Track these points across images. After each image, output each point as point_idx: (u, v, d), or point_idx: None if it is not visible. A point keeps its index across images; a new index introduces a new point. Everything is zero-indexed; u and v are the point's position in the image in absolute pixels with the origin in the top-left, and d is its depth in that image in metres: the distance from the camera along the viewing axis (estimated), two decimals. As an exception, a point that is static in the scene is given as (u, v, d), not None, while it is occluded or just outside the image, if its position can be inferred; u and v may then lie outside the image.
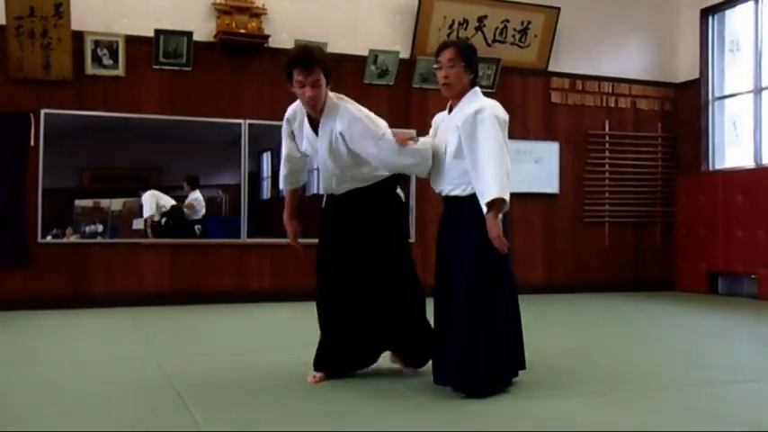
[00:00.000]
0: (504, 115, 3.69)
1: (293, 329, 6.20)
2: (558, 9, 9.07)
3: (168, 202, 7.82)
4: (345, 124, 3.69)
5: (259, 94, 8.09)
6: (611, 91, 9.62)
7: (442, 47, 3.80)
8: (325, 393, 3.66)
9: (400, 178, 4.02)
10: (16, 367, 4.43)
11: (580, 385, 3.89)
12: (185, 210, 7.90)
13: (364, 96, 8.42)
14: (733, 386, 4.01)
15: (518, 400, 3.51)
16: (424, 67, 8.47)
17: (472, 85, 3.77)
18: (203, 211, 7.95)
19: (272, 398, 3.57)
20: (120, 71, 7.57)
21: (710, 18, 9.63)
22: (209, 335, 5.87)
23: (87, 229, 7.52)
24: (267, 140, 8.06)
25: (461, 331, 3.58)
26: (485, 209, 3.52)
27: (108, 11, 7.61)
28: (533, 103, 9.30)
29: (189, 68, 7.81)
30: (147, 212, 7.71)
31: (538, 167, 9.23)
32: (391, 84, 8.57)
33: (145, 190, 7.74)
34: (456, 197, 3.72)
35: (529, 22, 9.02)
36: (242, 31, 7.87)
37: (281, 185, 4.19)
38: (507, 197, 3.51)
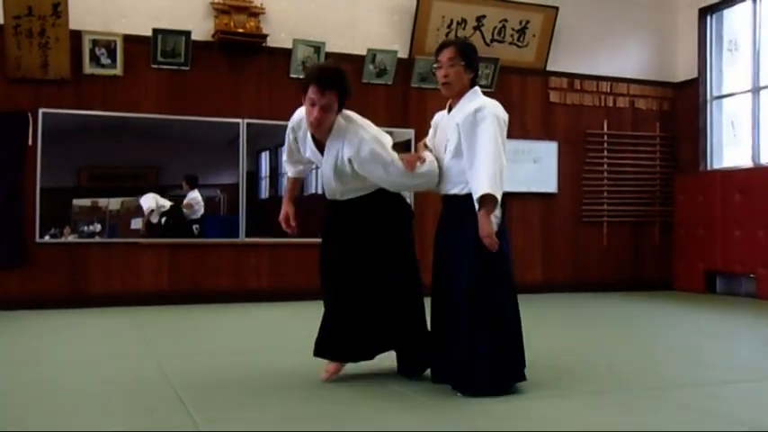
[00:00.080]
0: (504, 115, 3.70)
1: (292, 329, 6.19)
2: (557, 9, 9.07)
3: (166, 203, 7.81)
4: (354, 150, 3.63)
5: (257, 94, 8.09)
6: (609, 90, 9.63)
7: (442, 46, 3.80)
8: (326, 393, 3.66)
9: None
10: (16, 367, 4.43)
11: (579, 385, 3.89)
12: (184, 210, 7.89)
13: (362, 96, 8.45)
14: (732, 386, 4.01)
15: (518, 400, 3.51)
16: (423, 66, 8.47)
17: (472, 85, 3.77)
18: (202, 210, 7.94)
19: (271, 398, 3.57)
20: (118, 70, 7.56)
21: (709, 18, 9.63)
22: (208, 334, 5.87)
23: (85, 228, 7.51)
24: (265, 140, 8.06)
25: (461, 331, 3.59)
26: (476, 206, 3.53)
27: (106, 10, 7.60)
28: (532, 103, 9.30)
29: (187, 68, 7.81)
30: (147, 208, 7.69)
31: (536, 167, 9.23)
32: (389, 83, 8.57)
33: (143, 192, 7.73)
34: (455, 196, 3.72)
35: (527, 22, 9.02)
36: (240, 30, 7.86)
37: (285, 169, 4.22)
38: (498, 195, 3.51)
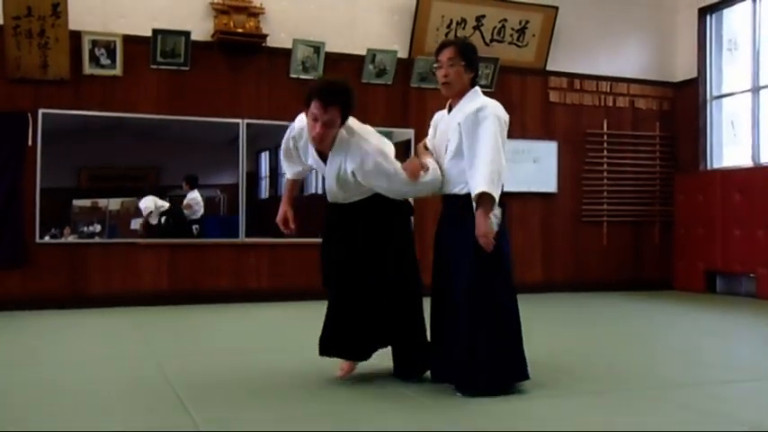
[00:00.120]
0: (505, 116, 3.70)
1: (291, 329, 6.20)
2: (556, 8, 9.07)
3: (165, 204, 7.81)
4: (357, 163, 3.61)
5: (257, 94, 8.08)
6: (609, 90, 9.62)
7: (442, 46, 3.80)
8: (326, 393, 3.66)
9: None
10: (16, 367, 4.43)
11: (579, 385, 3.89)
12: (184, 210, 7.89)
13: (362, 96, 8.40)
14: (732, 385, 4.01)
15: (518, 401, 3.51)
16: (422, 66, 8.47)
17: (472, 85, 3.78)
18: (201, 211, 7.94)
19: (271, 398, 3.57)
20: (118, 71, 7.56)
21: (708, 17, 9.63)
22: (208, 335, 5.87)
23: (85, 229, 7.51)
24: (265, 140, 8.06)
25: (461, 331, 3.59)
26: (474, 204, 3.53)
27: (105, 10, 7.59)
28: (531, 103, 9.30)
29: (186, 68, 7.80)
30: (145, 209, 7.69)
31: (536, 167, 9.23)
32: (389, 83, 8.57)
33: (143, 192, 7.73)
34: (455, 195, 3.72)
35: (527, 22, 9.02)
36: (240, 30, 7.86)
37: (283, 170, 4.19)
38: (496, 194, 3.51)
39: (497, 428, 3.11)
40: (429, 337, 3.87)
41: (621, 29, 9.71)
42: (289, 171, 4.09)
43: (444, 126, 3.82)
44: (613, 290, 9.30)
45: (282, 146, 4.04)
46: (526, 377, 3.66)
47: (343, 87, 3.59)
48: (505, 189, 3.67)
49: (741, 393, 3.84)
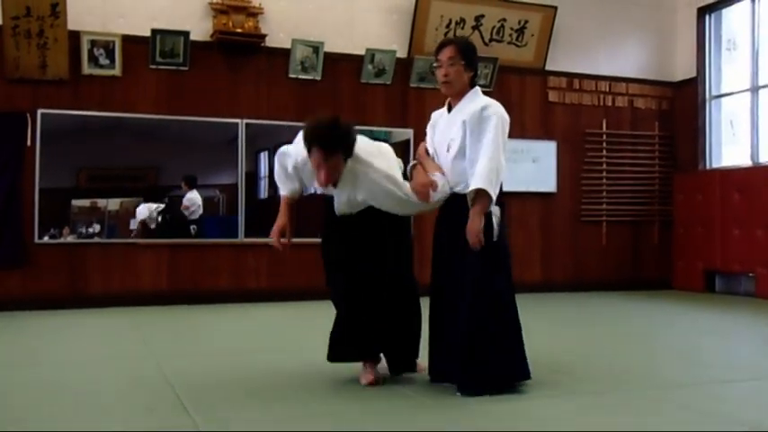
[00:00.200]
0: (507, 116, 3.71)
1: (291, 329, 6.20)
2: (555, 8, 9.07)
3: (160, 206, 7.79)
4: (367, 193, 3.62)
5: (256, 94, 8.08)
6: (608, 90, 9.63)
7: (442, 45, 3.80)
8: (326, 393, 3.66)
9: None
10: (16, 367, 4.43)
11: (579, 385, 3.88)
12: (183, 211, 7.89)
13: (361, 96, 8.47)
14: (731, 385, 4.01)
15: (518, 401, 3.51)
16: (422, 66, 8.47)
17: (472, 84, 3.77)
18: (200, 211, 7.93)
19: (271, 398, 3.57)
20: (117, 71, 7.55)
21: (707, 17, 9.63)
22: (207, 335, 5.87)
23: (84, 229, 7.50)
24: (264, 140, 8.05)
25: (462, 330, 3.58)
26: (469, 201, 3.54)
27: (105, 10, 7.59)
28: (530, 103, 9.30)
29: (186, 68, 7.80)
30: (141, 218, 7.68)
31: (535, 167, 9.23)
32: (388, 83, 8.56)
33: (142, 192, 7.75)
34: (456, 194, 3.71)
35: (526, 21, 9.02)
36: (239, 30, 7.86)
37: (279, 189, 4.02)
38: (492, 192, 3.52)
39: (497, 428, 3.11)
40: (428, 336, 3.86)
41: (620, 28, 9.71)
42: (285, 189, 3.93)
43: (444, 125, 3.81)
44: (612, 289, 9.30)
45: (277, 169, 3.93)
46: (527, 377, 3.66)
47: (341, 131, 3.51)
48: (504, 189, 3.68)
49: (741, 393, 3.83)
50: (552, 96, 9.38)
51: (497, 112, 3.63)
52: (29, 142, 7.30)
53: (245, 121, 8.01)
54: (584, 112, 9.55)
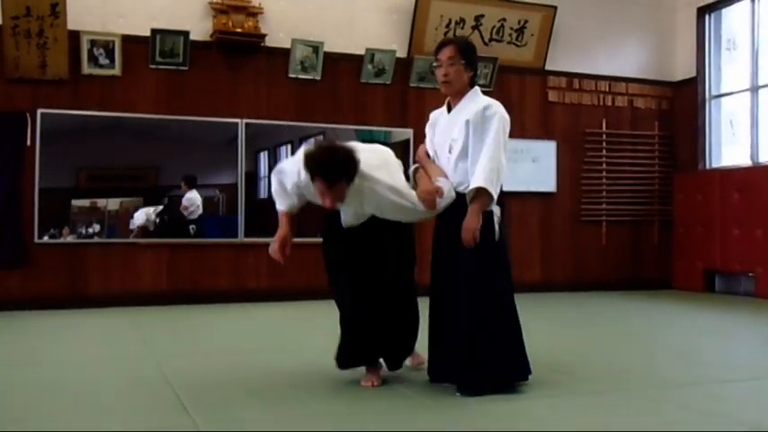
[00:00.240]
0: (507, 116, 3.71)
1: (291, 329, 6.20)
2: (555, 8, 9.07)
3: (158, 208, 7.78)
4: (374, 207, 3.63)
5: (256, 94, 8.08)
6: (608, 90, 9.62)
7: (442, 45, 3.80)
8: (326, 393, 3.66)
9: None
10: (16, 367, 4.43)
11: (579, 385, 3.89)
12: (182, 211, 7.89)
13: (361, 95, 8.47)
14: (731, 385, 4.02)
15: (518, 401, 3.51)
16: (421, 66, 8.47)
17: (472, 84, 3.78)
18: (199, 211, 7.92)
19: (271, 398, 3.57)
20: (117, 71, 7.55)
21: (707, 16, 9.63)
22: (207, 335, 5.87)
23: (84, 229, 7.50)
24: (264, 140, 8.05)
25: (461, 330, 3.58)
26: (468, 199, 3.55)
27: (105, 10, 7.59)
28: (530, 102, 9.30)
29: (185, 68, 7.80)
30: (138, 221, 7.68)
31: (535, 166, 9.23)
32: (388, 83, 8.56)
33: (142, 192, 7.73)
34: (457, 194, 3.71)
35: (526, 21, 9.02)
36: (239, 30, 7.85)
37: (277, 204, 3.92)
38: (492, 190, 3.52)
39: (497, 428, 3.11)
40: (428, 339, 3.86)
41: (620, 28, 9.71)
42: (283, 205, 3.85)
43: (445, 125, 3.81)
44: (612, 289, 9.30)
45: (275, 186, 3.86)
46: (527, 377, 3.66)
47: (342, 160, 3.44)
48: (504, 189, 3.68)
49: (741, 393, 3.84)
50: (552, 96, 9.38)
51: (498, 112, 3.64)
52: (29, 142, 7.30)
53: (244, 120, 8.01)
54: (584, 111, 9.54)
